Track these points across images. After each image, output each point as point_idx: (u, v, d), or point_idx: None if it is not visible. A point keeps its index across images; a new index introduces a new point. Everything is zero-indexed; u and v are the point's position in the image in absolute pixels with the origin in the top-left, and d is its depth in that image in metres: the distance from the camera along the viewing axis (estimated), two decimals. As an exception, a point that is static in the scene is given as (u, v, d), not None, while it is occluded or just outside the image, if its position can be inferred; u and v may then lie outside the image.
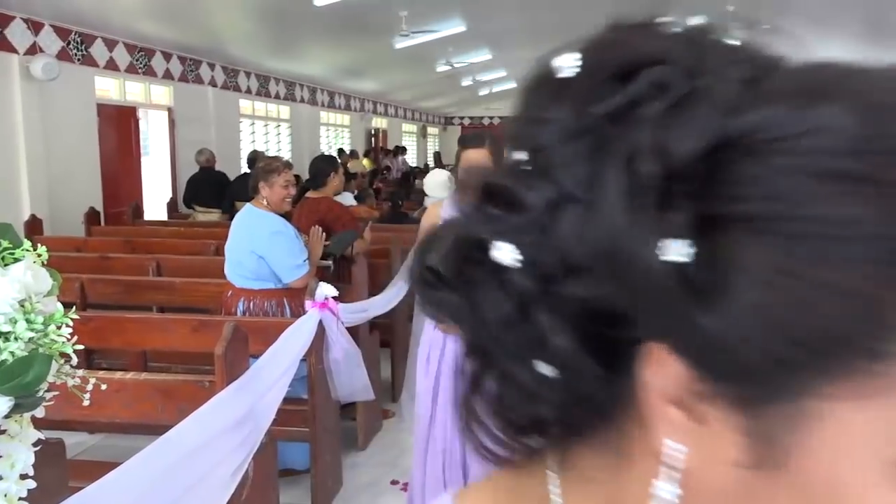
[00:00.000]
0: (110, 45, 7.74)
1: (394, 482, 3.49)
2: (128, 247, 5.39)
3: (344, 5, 7.91)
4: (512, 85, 19.77)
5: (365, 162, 14.75)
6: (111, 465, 1.79)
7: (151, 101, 8.79)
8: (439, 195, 4.37)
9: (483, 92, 19.42)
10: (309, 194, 4.27)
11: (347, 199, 8.06)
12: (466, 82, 16.65)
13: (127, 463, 1.76)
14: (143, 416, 2.31)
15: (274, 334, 2.75)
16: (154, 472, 1.82)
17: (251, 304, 3.35)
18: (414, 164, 17.33)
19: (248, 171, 6.82)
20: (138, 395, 2.26)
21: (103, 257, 4.75)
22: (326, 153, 9.05)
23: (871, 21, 8.16)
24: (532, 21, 11.08)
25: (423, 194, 4.59)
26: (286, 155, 12.32)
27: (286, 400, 2.71)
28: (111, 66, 7.79)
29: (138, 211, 7.03)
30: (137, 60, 8.24)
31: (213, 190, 7.45)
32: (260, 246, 3.27)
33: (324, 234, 3.71)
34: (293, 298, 3.38)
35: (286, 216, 3.49)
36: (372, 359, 3.96)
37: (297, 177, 10.70)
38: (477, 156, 2.39)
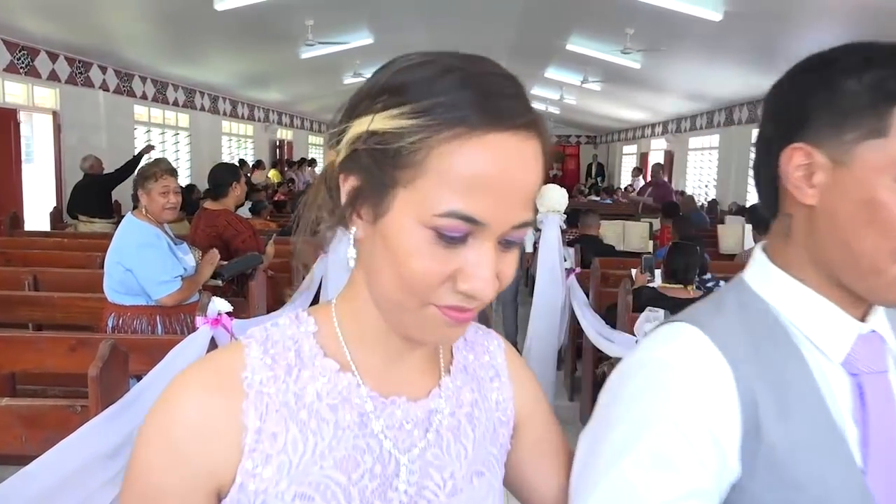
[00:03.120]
0: (-13, 41, 7.19)
1: (292, 507, 3.30)
2: (1, 258, 4.97)
3: (247, 11, 7.66)
4: (420, 100, 19.82)
5: (272, 174, 14.37)
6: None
7: (35, 103, 8.21)
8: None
9: (391, 106, 19.35)
10: (207, 205, 3.99)
11: (242, 211, 7.79)
12: (374, 95, 16.52)
13: (-23, 502, 1.55)
14: (4, 447, 2.06)
15: (160, 353, 2.55)
16: (10, 511, 1.62)
17: (121, 320, 3.10)
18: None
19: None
20: (-3, 424, 2.03)
21: (-28, 270, 4.35)
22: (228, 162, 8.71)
23: (759, 47, 8.65)
24: (439, 37, 11.14)
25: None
26: (185, 165, 11.84)
27: (173, 424, 2.51)
28: (-12, 64, 7.24)
29: (17, 220, 6.50)
30: (19, 59, 7.68)
31: (96, 198, 7.01)
32: (126, 258, 3.04)
33: (218, 255, 3.47)
34: (167, 316, 3.14)
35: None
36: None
37: (192, 186, 10.32)
38: None
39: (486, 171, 0.59)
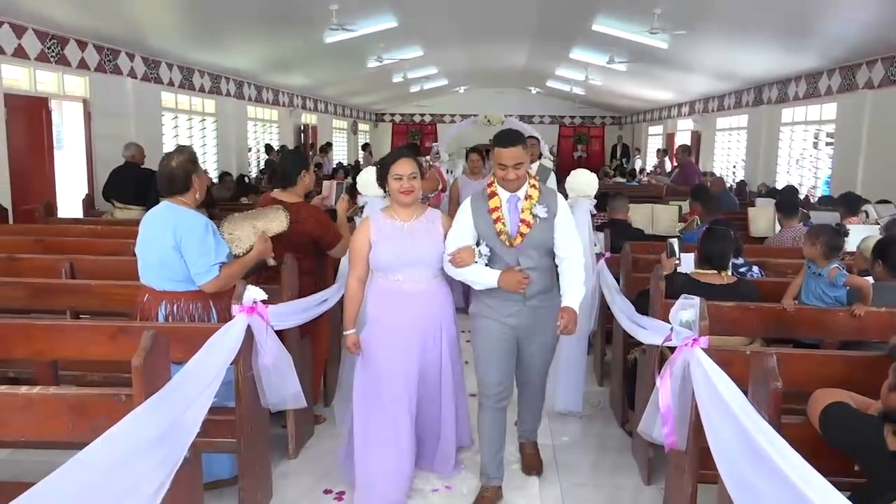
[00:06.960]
0: (18, 31, 7.27)
1: (327, 491, 3.37)
2: (39, 246, 5.05)
3: (272, -4, 7.68)
4: (443, 82, 19.74)
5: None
6: (16, 486, 1.63)
7: (65, 91, 8.33)
8: (373, 193, 4.22)
9: (414, 89, 19.31)
10: (275, 194, 3.86)
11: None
12: (398, 79, 16.51)
13: (34, 488, 1.60)
14: (53, 435, 2.12)
15: (198, 341, 2.59)
16: (65, 496, 1.67)
17: (175, 307, 3.12)
18: (346, 161, 17.16)
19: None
20: (47, 413, 2.08)
21: (11, 258, 4.42)
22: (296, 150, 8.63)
23: (788, 25, 8.47)
24: (463, 19, 11.06)
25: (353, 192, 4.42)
26: (212, 151, 11.95)
27: (212, 409, 2.56)
28: (20, 53, 7.33)
29: (51, 208, 6.60)
30: (49, 48, 7.78)
31: (135, 187, 7.06)
32: (185, 244, 3.04)
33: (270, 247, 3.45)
34: (219, 301, 3.19)
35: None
36: (303, 364, 3.82)
37: (225, 174, 10.37)
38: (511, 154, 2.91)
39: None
